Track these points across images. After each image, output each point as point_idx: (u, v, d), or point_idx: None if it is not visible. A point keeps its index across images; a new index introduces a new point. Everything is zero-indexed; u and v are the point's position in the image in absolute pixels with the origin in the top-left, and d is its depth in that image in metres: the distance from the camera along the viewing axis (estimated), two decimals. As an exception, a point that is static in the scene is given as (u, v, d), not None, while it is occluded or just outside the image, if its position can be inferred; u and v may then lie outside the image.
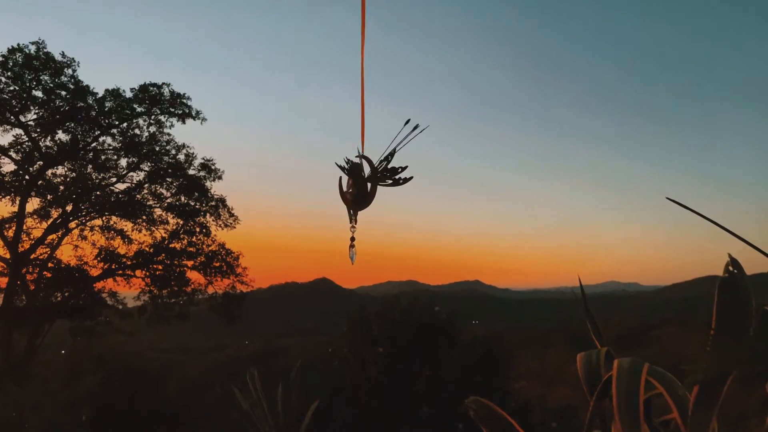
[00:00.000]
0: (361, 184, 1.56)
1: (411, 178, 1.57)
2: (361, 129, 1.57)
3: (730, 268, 2.02)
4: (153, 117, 16.56)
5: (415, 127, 1.52)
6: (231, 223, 17.78)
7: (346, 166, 1.57)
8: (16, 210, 15.70)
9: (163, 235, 17.61)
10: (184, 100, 16.50)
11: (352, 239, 1.59)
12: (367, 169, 1.58)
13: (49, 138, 15.91)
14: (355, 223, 1.59)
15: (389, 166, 1.56)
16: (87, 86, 15.51)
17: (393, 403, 6.86)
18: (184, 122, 16.69)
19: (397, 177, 1.56)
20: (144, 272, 17.64)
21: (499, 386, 7.23)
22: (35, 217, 16.30)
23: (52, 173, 16.31)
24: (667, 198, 1.64)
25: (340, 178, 1.62)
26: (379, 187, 1.59)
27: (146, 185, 17.26)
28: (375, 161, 1.58)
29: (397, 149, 1.54)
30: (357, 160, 1.58)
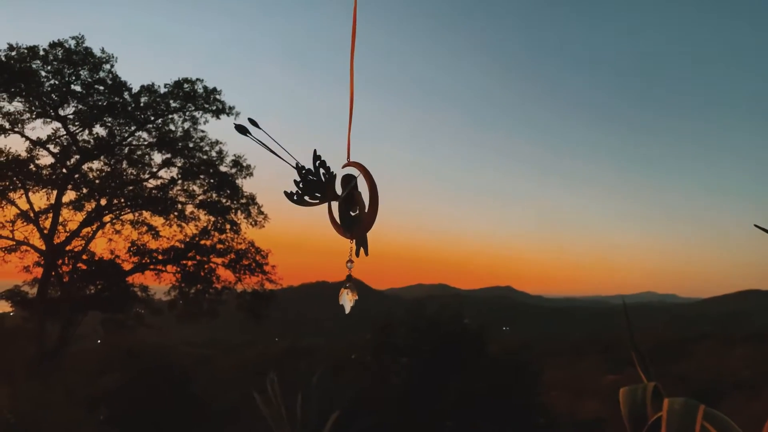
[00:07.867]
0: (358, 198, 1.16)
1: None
2: (348, 129, 1.22)
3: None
4: (187, 113, 16.67)
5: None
6: (260, 221, 17.78)
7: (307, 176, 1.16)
8: (53, 202, 15.97)
9: (194, 231, 17.71)
10: (217, 96, 16.57)
11: (349, 278, 1.12)
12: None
13: (86, 132, 16.16)
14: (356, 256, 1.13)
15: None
16: (124, 82, 15.70)
17: (416, 416, 6.65)
18: (218, 118, 16.75)
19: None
20: (175, 268, 17.77)
21: (527, 402, 6.96)
22: (70, 208, 16.55)
23: (88, 167, 16.56)
24: (756, 225, 1.42)
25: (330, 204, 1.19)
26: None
27: (179, 181, 17.39)
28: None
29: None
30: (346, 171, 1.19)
